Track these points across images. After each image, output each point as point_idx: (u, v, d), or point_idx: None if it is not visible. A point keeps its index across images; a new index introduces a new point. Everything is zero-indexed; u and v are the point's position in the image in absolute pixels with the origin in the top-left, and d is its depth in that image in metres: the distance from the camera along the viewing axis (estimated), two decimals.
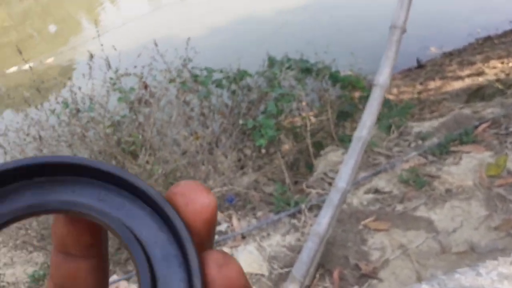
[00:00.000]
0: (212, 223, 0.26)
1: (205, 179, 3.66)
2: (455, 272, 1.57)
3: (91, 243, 0.29)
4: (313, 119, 4.18)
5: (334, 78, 4.14)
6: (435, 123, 3.62)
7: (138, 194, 0.26)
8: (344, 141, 3.60)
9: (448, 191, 2.86)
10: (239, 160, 3.93)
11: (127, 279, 3.12)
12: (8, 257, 3.47)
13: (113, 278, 3.19)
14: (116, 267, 3.28)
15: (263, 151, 3.97)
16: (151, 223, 0.26)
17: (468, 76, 5.32)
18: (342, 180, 2.55)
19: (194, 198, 0.25)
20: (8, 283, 3.38)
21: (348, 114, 4.11)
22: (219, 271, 0.24)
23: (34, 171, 0.26)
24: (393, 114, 3.85)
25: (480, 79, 5.08)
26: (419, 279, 2.33)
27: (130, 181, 0.26)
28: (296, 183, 3.57)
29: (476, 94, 4.80)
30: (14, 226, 3.32)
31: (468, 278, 1.53)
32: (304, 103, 3.98)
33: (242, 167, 3.93)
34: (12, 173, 0.25)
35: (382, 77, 2.44)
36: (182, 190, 0.26)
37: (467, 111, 3.83)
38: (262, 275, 2.67)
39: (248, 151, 3.97)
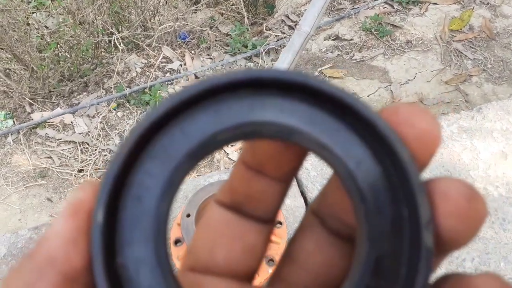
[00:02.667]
0: (436, 154, 0.23)
1: (154, 12, 3.32)
2: None
3: (293, 168, 0.27)
4: None
5: None
6: None
7: (352, 116, 0.23)
8: None
9: (408, 42, 2.81)
10: None
11: (73, 112, 3.02)
12: None
13: (57, 111, 3.07)
14: (59, 100, 3.13)
15: None
16: (368, 155, 0.23)
17: None
18: (307, 23, 2.39)
19: (424, 129, 0.22)
20: None
21: None
22: (469, 206, 0.21)
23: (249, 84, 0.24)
24: None
25: None
26: None
27: (352, 105, 0.22)
28: (254, 24, 3.35)
29: None
30: None
31: None
32: None
33: (196, 3, 3.58)
34: (231, 85, 0.23)
35: None
36: (409, 118, 0.22)
37: None
38: None
39: None
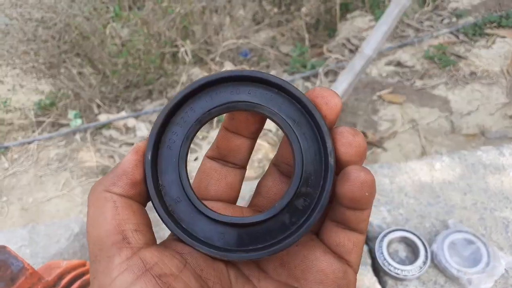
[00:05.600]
0: (338, 117, 0.39)
1: (218, 28, 3.47)
2: (478, 149, 1.58)
3: (257, 129, 0.43)
4: None
5: None
6: (476, 0, 3.33)
7: (289, 95, 0.40)
8: (376, 8, 3.34)
9: (472, 74, 2.76)
10: (256, 14, 3.68)
11: (136, 117, 3.19)
12: (16, 82, 3.47)
13: (122, 114, 3.26)
14: (125, 104, 3.32)
15: (284, 8, 3.70)
16: (299, 116, 0.40)
17: None
18: (370, 46, 2.42)
19: (329, 100, 0.38)
20: (15, 108, 3.44)
21: None
22: (354, 139, 0.37)
23: (231, 79, 0.41)
24: None
25: None
26: (424, 154, 2.39)
27: (289, 89, 0.40)
28: (314, 45, 3.42)
29: None
30: (21, 49, 3.23)
31: (490, 156, 1.55)
32: None
33: (258, 23, 3.71)
34: (219, 80, 0.40)
35: None
36: (321, 94, 0.39)
37: None
38: (270, 130, 2.72)
39: (268, 6, 3.71)
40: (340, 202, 0.37)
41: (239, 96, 0.40)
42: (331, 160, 0.37)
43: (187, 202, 0.40)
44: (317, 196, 0.39)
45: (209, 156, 0.46)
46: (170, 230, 0.39)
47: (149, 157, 0.39)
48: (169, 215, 0.39)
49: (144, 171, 0.39)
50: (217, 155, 0.45)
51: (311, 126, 0.40)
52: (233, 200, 0.46)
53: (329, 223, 0.41)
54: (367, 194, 0.35)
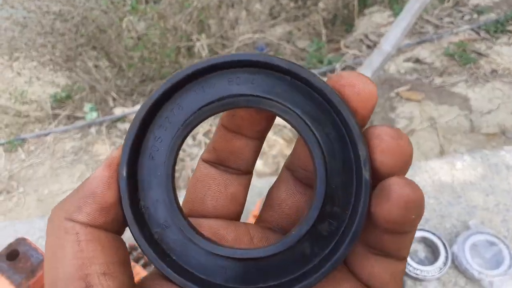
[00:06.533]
0: (374, 107, 0.30)
1: (234, 23, 3.46)
2: (500, 149, 1.54)
3: (264, 128, 0.34)
4: None
5: None
6: None
7: (306, 85, 0.30)
8: (394, 3, 3.28)
9: (493, 71, 2.70)
10: (273, 8, 3.65)
11: None
12: (33, 74, 3.50)
13: (137, 108, 3.27)
14: (140, 98, 3.33)
15: (300, 2, 3.66)
16: (321, 113, 0.30)
17: None
18: (389, 42, 2.38)
19: (361, 88, 0.28)
20: (31, 100, 3.48)
21: None
22: (396, 144, 0.27)
23: (230, 65, 0.31)
24: None
25: None
26: (442, 153, 2.35)
27: (305, 77, 0.29)
28: (331, 41, 3.38)
29: None
30: (39, 42, 3.26)
31: None
32: None
33: (275, 17, 3.69)
34: (212, 67, 0.31)
35: None
36: (350, 81, 0.29)
37: None
38: (284, 126, 2.70)
39: (284, 0, 3.67)
40: (376, 224, 0.28)
41: (240, 87, 0.31)
42: (366, 174, 0.28)
43: (178, 227, 0.31)
44: (347, 218, 0.30)
45: (205, 160, 0.36)
46: (155, 266, 0.30)
47: (124, 173, 0.30)
48: (154, 245, 0.30)
49: (120, 192, 0.30)
50: (215, 159, 0.36)
51: (337, 125, 0.30)
52: (236, 216, 0.37)
53: (360, 248, 0.31)
54: (413, 216, 0.26)
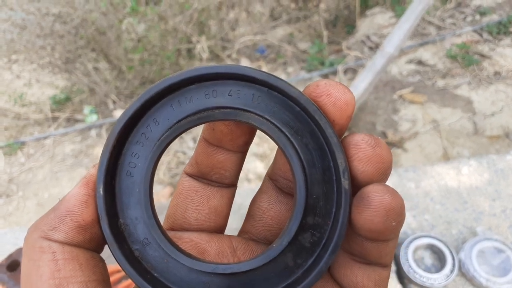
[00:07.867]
0: (350, 120, 0.29)
1: (234, 25, 3.44)
2: (507, 153, 1.52)
3: (246, 142, 0.34)
4: None
5: None
6: None
7: (283, 95, 0.30)
8: (396, 4, 3.26)
9: (496, 73, 2.68)
10: (274, 10, 3.63)
11: None
12: (33, 76, 3.48)
13: None
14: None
15: (301, 3, 3.64)
16: (299, 123, 0.30)
17: None
18: (392, 44, 2.36)
19: (338, 98, 0.28)
20: (30, 102, 3.45)
21: None
22: (373, 151, 0.27)
23: (205, 79, 0.30)
24: None
25: None
26: (445, 156, 2.33)
27: (281, 87, 0.29)
28: (332, 42, 3.36)
29: None
30: (38, 44, 3.24)
31: None
32: None
33: (275, 19, 3.66)
34: (186, 81, 0.30)
35: None
36: (326, 90, 0.28)
37: None
38: None
39: (285, 2, 3.65)
40: (358, 233, 0.28)
41: (217, 99, 0.30)
42: (345, 183, 0.28)
43: (158, 244, 0.31)
44: (329, 228, 0.29)
45: (188, 173, 0.36)
46: (135, 283, 0.30)
47: (101, 191, 0.29)
48: (134, 262, 0.30)
49: (98, 210, 0.29)
50: (197, 173, 0.36)
51: (315, 135, 0.30)
52: (220, 228, 0.36)
53: (343, 256, 0.31)
54: (393, 223, 0.26)
